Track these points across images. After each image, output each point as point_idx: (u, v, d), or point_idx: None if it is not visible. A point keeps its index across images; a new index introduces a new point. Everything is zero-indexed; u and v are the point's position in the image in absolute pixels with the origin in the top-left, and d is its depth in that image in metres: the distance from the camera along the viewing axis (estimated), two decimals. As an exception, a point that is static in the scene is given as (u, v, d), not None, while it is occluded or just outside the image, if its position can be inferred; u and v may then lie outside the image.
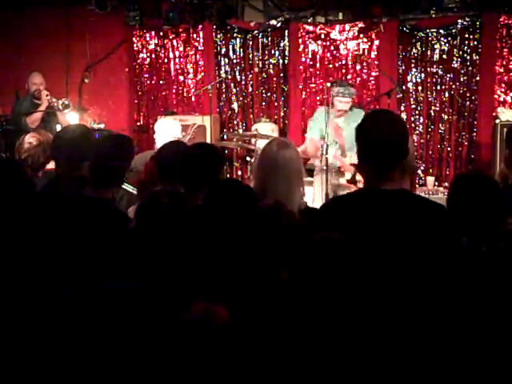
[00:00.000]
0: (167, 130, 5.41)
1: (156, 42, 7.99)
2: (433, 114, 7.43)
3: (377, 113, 3.07)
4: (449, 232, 2.39)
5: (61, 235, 2.84)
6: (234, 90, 7.89)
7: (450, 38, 7.28)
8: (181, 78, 8.00)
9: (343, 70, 7.58)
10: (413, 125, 7.44)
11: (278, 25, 7.63)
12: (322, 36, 7.57)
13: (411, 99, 7.46)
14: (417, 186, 7.18)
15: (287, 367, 1.93)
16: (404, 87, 7.37)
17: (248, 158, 7.16)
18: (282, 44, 7.71)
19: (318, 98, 7.61)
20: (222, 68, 7.87)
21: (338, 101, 5.64)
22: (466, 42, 7.24)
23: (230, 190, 2.63)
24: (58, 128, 6.22)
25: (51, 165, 3.93)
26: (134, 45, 8.01)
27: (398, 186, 2.47)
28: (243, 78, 7.86)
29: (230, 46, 7.83)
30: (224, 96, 7.90)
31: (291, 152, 3.24)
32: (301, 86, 7.61)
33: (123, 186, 3.66)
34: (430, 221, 2.40)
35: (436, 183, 7.04)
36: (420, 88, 7.42)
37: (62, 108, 6.30)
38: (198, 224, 2.53)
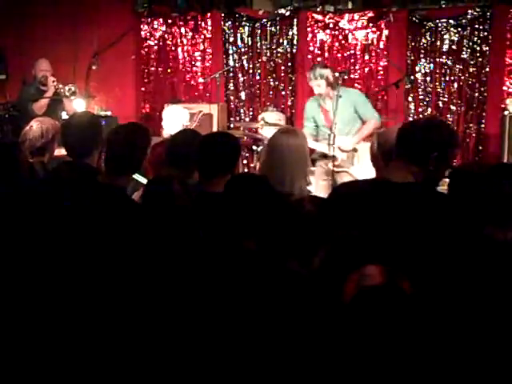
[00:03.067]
0: (175, 117, 5.43)
1: (164, 29, 7.96)
2: (441, 104, 7.39)
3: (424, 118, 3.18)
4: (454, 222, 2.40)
5: (68, 222, 2.84)
6: (242, 79, 7.86)
7: (459, 29, 7.23)
8: (188, 66, 7.97)
9: (351, 60, 7.54)
10: (420, 115, 7.40)
11: (287, 13, 7.59)
12: (331, 25, 7.53)
13: (419, 90, 7.41)
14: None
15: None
16: (413, 77, 7.33)
17: (254, 147, 7.14)
18: (290, 33, 7.67)
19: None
20: (230, 56, 7.84)
21: (312, 86, 5.72)
22: (476, 33, 7.18)
23: (251, 181, 2.65)
24: (64, 115, 6.24)
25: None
26: (142, 32, 7.97)
27: (407, 179, 2.51)
28: (251, 66, 7.83)
29: (238, 35, 7.79)
30: (231, 84, 7.87)
31: (297, 140, 3.28)
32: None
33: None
34: (438, 212, 2.41)
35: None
36: (429, 79, 7.38)
37: (68, 94, 6.29)
38: (218, 211, 2.54)
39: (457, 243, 2.33)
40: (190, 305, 2.23)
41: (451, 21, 7.24)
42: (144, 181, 3.62)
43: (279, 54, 7.72)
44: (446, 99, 7.35)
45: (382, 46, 7.42)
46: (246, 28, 7.76)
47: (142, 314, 2.28)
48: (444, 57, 7.31)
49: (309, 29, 7.54)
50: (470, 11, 7.12)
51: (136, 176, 3.63)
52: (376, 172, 3.05)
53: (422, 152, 2.53)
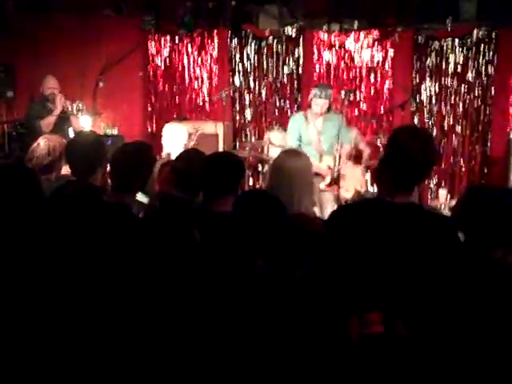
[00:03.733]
0: (174, 135, 5.42)
1: (171, 46, 8.00)
2: (446, 126, 7.41)
3: (412, 129, 3.12)
4: (460, 246, 2.40)
5: (73, 239, 2.86)
6: (248, 98, 7.89)
7: (464, 49, 7.25)
8: (195, 83, 8.01)
9: (357, 80, 7.57)
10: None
11: (293, 33, 7.62)
12: (337, 45, 7.56)
13: (425, 111, 7.43)
14: (429, 198, 7.17)
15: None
16: (418, 99, 7.35)
17: (260, 168, 7.15)
18: (296, 52, 7.71)
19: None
20: (236, 74, 7.87)
21: (314, 103, 5.75)
22: (482, 54, 7.21)
23: (260, 199, 2.64)
24: (71, 132, 6.27)
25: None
26: (149, 49, 8.02)
27: (409, 200, 2.50)
28: (257, 85, 7.86)
29: (245, 53, 7.83)
30: (237, 103, 7.90)
31: (302, 161, 3.30)
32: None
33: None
34: (444, 236, 2.42)
35: (448, 196, 7.00)
36: (434, 100, 7.40)
37: (75, 112, 6.32)
38: (227, 232, 2.55)
39: (467, 267, 2.32)
40: (195, 324, 2.26)
41: (457, 41, 7.26)
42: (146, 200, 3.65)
43: (285, 74, 7.75)
44: (451, 121, 7.36)
45: (387, 66, 7.44)
46: (252, 46, 7.79)
47: (145, 330, 2.31)
48: (449, 78, 7.33)
49: (314, 48, 7.57)
50: (475, 32, 7.14)
51: (139, 196, 3.65)
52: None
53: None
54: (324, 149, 5.77)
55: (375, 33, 7.42)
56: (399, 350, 1.96)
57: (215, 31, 7.79)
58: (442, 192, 6.70)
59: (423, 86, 7.39)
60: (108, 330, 2.44)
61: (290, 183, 3.15)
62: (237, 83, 7.77)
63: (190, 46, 7.94)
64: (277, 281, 2.31)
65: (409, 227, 2.42)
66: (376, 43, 7.46)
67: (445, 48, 7.30)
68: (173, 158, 4.95)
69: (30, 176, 3.21)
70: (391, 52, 7.42)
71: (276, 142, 6.47)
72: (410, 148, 2.43)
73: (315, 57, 7.59)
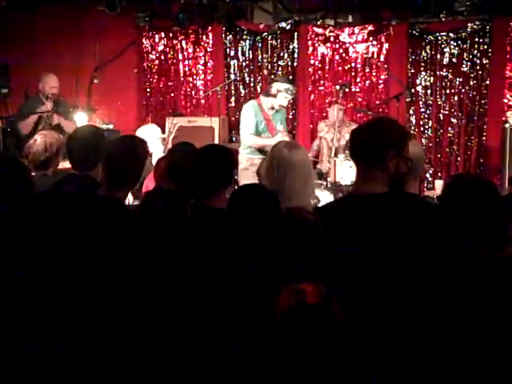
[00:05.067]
0: (148, 134, 5.33)
1: (165, 43, 8.00)
2: (442, 117, 7.43)
3: (371, 120, 3.14)
4: (442, 233, 2.37)
5: (66, 234, 2.84)
6: (243, 92, 7.89)
7: (459, 42, 7.28)
8: (190, 79, 8.01)
9: (352, 73, 7.58)
10: (422, 128, 7.44)
11: (288, 27, 7.63)
12: (332, 39, 7.57)
13: (420, 103, 7.45)
14: (425, 189, 7.18)
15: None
16: (413, 91, 7.37)
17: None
18: (291, 46, 7.73)
19: (326, 100, 7.62)
20: (231, 70, 7.88)
21: (284, 97, 5.83)
22: (476, 46, 7.23)
23: (256, 195, 2.60)
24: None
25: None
26: (143, 46, 8.01)
27: (382, 189, 2.48)
28: (252, 79, 7.86)
29: (239, 48, 7.84)
30: (233, 98, 7.91)
31: (303, 153, 3.27)
32: (310, 89, 7.62)
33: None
34: (422, 222, 2.39)
35: (445, 183, 7.02)
36: (429, 91, 7.42)
37: (71, 110, 6.31)
38: (222, 227, 2.53)
39: (454, 261, 2.28)
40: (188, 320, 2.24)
41: (451, 34, 7.28)
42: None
43: (280, 68, 7.76)
44: (446, 112, 7.38)
45: (382, 59, 7.45)
46: (247, 41, 7.80)
47: (140, 323, 2.29)
48: (444, 70, 7.35)
49: (309, 42, 7.59)
50: (469, 24, 7.16)
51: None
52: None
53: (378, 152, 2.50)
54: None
55: (369, 27, 7.43)
56: (328, 331, 1.87)
57: (209, 28, 7.79)
58: (439, 182, 6.73)
59: (418, 78, 7.41)
60: (100, 325, 2.41)
61: (292, 177, 3.08)
62: (232, 78, 7.77)
63: (184, 42, 7.95)
64: (267, 281, 2.28)
65: (382, 216, 2.40)
66: (371, 37, 7.47)
67: (440, 40, 7.31)
68: (156, 156, 4.98)
69: (18, 168, 3.21)
70: (386, 45, 7.43)
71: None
72: (363, 137, 2.54)
73: (310, 51, 7.59)
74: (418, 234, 2.35)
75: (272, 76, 7.61)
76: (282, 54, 7.76)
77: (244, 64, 7.86)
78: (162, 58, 8.05)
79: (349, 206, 2.53)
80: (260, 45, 7.80)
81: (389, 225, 2.37)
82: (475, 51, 7.24)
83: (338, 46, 7.60)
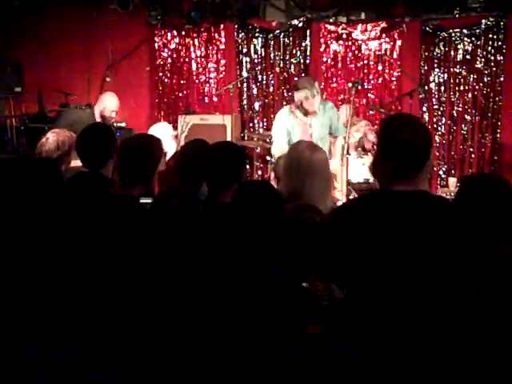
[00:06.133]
0: (161, 132, 5.36)
1: (177, 41, 8.00)
2: (455, 114, 7.37)
3: (402, 116, 3.04)
4: (468, 232, 2.34)
5: (82, 232, 2.85)
6: (255, 90, 7.88)
7: (473, 38, 7.22)
8: (202, 77, 8.00)
9: (365, 70, 7.55)
10: (435, 125, 7.40)
11: (300, 24, 7.61)
12: (344, 36, 7.54)
13: (434, 100, 7.40)
14: (438, 186, 7.14)
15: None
16: (426, 87, 7.32)
17: (268, 158, 7.14)
18: (303, 44, 7.70)
19: (339, 97, 7.59)
20: (244, 67, 7.87)
21: (309, 104, 5.35)
22: (490, 43, 7.17)
23: (260, 191, 2.61)
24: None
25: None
26: (156, 44, 8.01)
27: (416, 188, 2.41)
28: (264, 77, 7.85)
29: (252, 46, 7.82)
30: (245, 95, 7.90)
31: (323, 154, 3.24)
32: (322, 86, 7.58)
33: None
34: (452, 221, 2.36)
35: (458, 184, 6.96)
36: (443, 88, 7.37)
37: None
38: (225, 221, 2.53)
39: (476, 257, 2.27)
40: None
41: (465, 30, 7.23)
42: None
43: (292, 65, 7.74)
44: (460, 109, 7.33)
45: (395, 56, 7.41)
46: (259, 39, 7.79)
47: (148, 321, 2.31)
48: (458, 66, 7.30)
49: (322, 40, 7.57)
50: (483, 21, 7.11)
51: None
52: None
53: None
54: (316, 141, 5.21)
55: (382, 24, 7.40)
56: None
57: (221, 26, 7.78)
58: (452, 180, 6.67)
59: (432, 75, 7.36)
60: (115, 322, 2.42)
61: (313, 178, 3.07)
62: (244, 76, 7.77)
63: (196, 40, 7.94)
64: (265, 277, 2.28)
65: (416, 214, 2.33)
66: (383, 34, 7.43)
67: (453, 37, 7.26)
68: (169, 155, 5.00)
69: (52, 167, 3.21)
70: (399, 42, 7.39)
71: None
72: (403, 136, 2.32)
73: (322, 48, 7.57)
74: (450, 233, 2.32)
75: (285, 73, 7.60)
76: (294, 52, 7.73)
77: (256, 62, 7.84)
78: (174, 56, 8.04)
79: (380, 204, 2.43)
80: (272, 42, 7.78)
81: (423, 223, 2.33)
82: (489, 48, 7.18)
83: (350, 43, 7.56)
